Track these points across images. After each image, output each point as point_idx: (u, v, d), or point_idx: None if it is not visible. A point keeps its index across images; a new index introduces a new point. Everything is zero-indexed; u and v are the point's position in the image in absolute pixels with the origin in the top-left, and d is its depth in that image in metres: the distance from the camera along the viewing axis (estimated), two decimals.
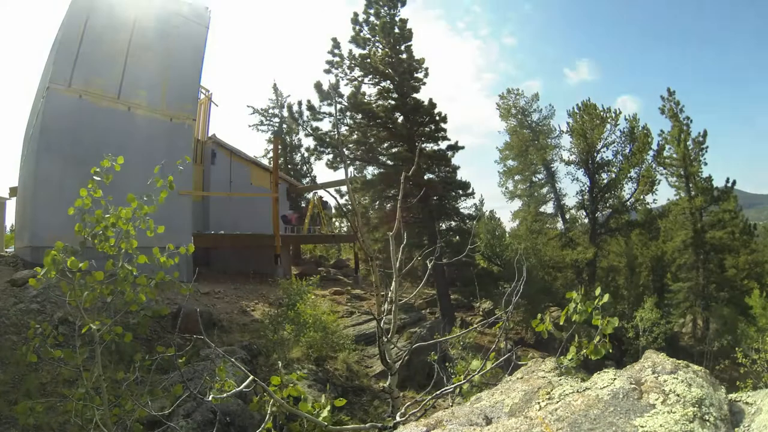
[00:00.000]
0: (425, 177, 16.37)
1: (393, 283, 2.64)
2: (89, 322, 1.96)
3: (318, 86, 16.24)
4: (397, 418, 2.26)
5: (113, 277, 2.15)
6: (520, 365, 1.86)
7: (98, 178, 2.16)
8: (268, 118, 25.03)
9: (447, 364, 7.70)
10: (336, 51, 16.54)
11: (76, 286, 1.98)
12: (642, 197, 19.60)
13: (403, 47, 16.58)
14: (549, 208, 22.73)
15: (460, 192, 17.42)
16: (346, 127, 16.69)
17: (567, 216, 22.11)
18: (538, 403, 1.41)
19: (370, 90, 17.01)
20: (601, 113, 20.15)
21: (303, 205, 19.69)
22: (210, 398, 1.99)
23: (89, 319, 2.01)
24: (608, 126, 20.04)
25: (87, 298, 1.98)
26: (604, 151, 20.43)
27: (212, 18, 11.49)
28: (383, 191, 16.75)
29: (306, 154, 25.13)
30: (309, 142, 25.07)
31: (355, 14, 16.71)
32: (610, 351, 1.82)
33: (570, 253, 19.04)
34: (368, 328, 9.37)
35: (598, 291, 1.87)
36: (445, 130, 17.00)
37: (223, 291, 9.85)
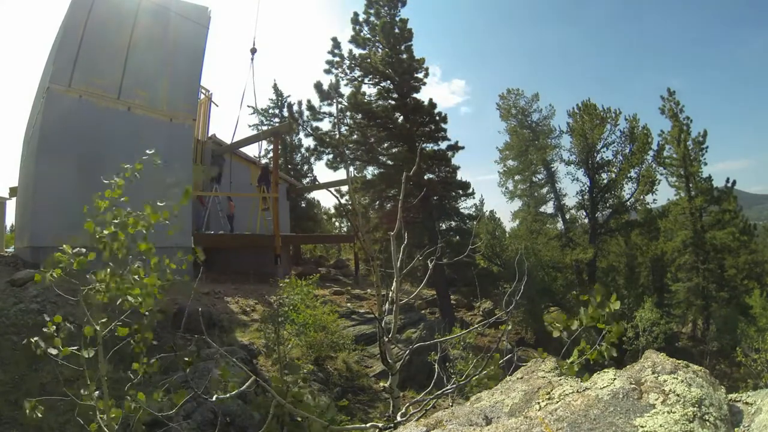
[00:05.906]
0: (425, 177, 16.38)
1: (394, 283, 2.64)
2: (93, 323, 1.96)
3: (318, 86, 16.26)
4: (398, 418, 2.26)
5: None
6: (520, 365, 1.87)
7: (107, 181, 2.17)
8: (268, 118, 25.00)
9: (447, 364, 7.70)
10: (336, 51, 16.57)
11: (83, 287, 1.99)
12: (642, 197, 19.56)
13: (403, 47, 16.59)
14: (549, 208, 22.77)
15: (460, 192, 17.44)
16: (346, 127, 16.70)
17: (567, 216, 22.10)
18: (538, 403, 1.41)
19: (370, 90, 17.06)
20: (601, 113, 20.15)
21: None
22: (214, 398, 2.00)
23: (92, 319, 2.01)
24: (608, 126, 20.04)
25: (94, 299, 1.99)
26: (604, 151, 20.42)
27: (212, 18, 11.50)
28: (383, 191, 16.76)
29: (306, 154, 25.14)
30: (309, 142, 25.05)
31: (355, 14, 16.75)
32: (615, 355, 1.81)
33: (570, 253, 19.05)
34: (368, 328, 9.38)
35: (614, 298, 1.78)
36: (445, 130, 17.03)
37: (223, 291, 9.86)
